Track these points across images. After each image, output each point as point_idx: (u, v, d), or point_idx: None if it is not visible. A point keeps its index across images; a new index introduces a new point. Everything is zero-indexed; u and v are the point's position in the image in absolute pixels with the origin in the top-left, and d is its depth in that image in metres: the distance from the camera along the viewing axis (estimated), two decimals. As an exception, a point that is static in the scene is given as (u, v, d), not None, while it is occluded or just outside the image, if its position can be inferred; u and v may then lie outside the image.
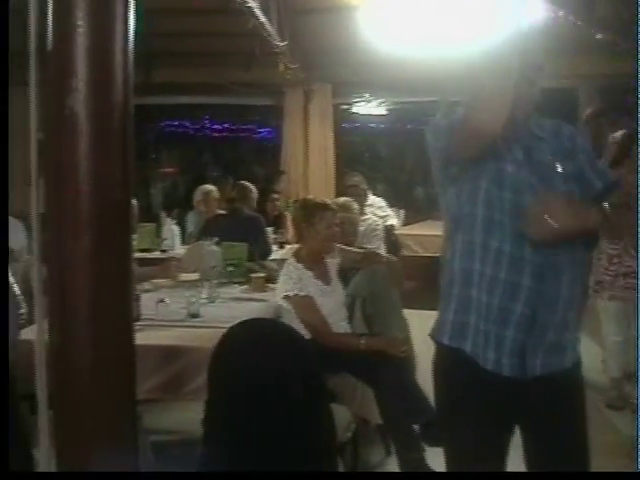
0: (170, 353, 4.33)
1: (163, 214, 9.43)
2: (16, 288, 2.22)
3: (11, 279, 2.38)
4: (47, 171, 2.36)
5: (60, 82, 2.30)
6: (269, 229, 8.74)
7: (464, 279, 2.84)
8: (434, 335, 2.96)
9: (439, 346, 2.94)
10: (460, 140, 2.74)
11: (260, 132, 19.74)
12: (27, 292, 2.51)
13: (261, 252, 7.20)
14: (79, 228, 2.28)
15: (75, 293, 2.32)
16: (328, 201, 5.40)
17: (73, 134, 2.29)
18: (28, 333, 2.37)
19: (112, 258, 2.34)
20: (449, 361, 2.93)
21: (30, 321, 2.36)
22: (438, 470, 4.27)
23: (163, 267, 6.32)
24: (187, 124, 20.15)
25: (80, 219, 2.29)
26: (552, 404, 2.82)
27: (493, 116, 2.61)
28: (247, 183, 9.03)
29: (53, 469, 2.39)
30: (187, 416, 5.10)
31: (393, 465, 4.79)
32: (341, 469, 2.52)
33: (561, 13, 6.70)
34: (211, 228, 7.47)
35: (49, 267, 2.35)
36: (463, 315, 2.84)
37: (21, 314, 2.28)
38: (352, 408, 4.59)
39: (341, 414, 4.37)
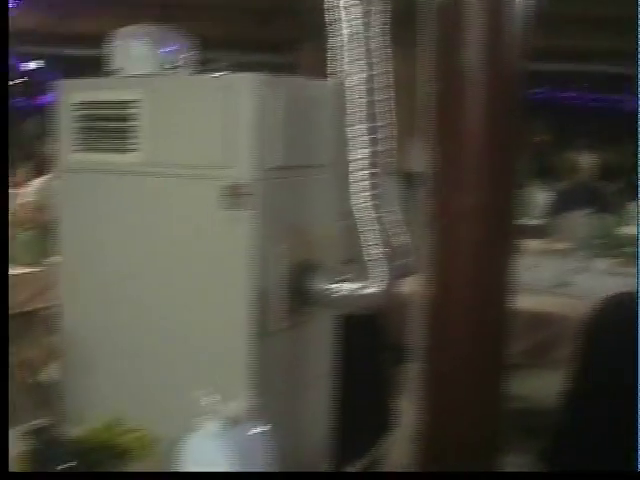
0: (537, 319, 4.29)
1: (532, 182, 9.41)
2: (403, 237, 2.26)
3: (399, 229, 2.44)
4: (437, 127, 2.37)
5: (450, 39, 2.30)
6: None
7: None
8: None
9: None
10: None
11: (633, 103, 18.97)
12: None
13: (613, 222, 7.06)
14: (464, 185, 2.28)
15: (457, 251, 2.33)
16: None
17: (462, 91, 2.28)
18: (404, 285, 2.40)
19: (496, 218, 2.33)
20: None
21: (406, 274, 2.39)
22: None
23: None
24: (558, 92, 19.77)
25: (465, 177, 2.29)
26: None
27: None
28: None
29: (411, 421, 2.42)
30: (543, 385, 5.03)
31: None
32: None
33: None
34: (568, 199, 7.40)
35: (433, 223, 2.36)
36: None
37: (404, 262, 2.31)
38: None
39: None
